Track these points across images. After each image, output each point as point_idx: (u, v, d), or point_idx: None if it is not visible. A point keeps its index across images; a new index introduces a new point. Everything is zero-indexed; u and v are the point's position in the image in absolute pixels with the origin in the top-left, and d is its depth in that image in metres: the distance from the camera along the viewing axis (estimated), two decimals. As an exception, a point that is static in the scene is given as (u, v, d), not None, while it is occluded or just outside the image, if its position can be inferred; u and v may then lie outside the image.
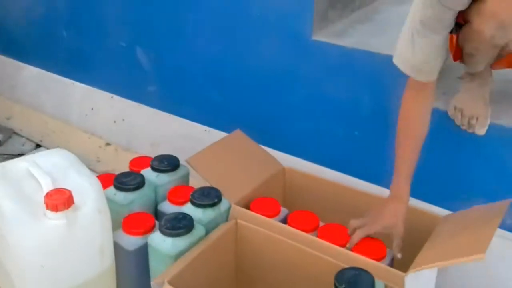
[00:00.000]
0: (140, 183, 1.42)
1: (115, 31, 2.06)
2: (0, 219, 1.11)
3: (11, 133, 2.24)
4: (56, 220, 1.09)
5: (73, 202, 1.10)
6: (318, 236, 1.31)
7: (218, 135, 1.88)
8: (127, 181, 1.41)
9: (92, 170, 2.01)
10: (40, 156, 1.24)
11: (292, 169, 1.63)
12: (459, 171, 1.48)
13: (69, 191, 1.10)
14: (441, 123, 1.44)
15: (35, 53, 2.39)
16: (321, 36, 1.61)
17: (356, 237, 1.27)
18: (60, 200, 1.08)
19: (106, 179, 1.48)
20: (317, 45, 1.60)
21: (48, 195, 1.08)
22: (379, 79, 1.54)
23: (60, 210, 1.08)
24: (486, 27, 1.11)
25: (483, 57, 1.26)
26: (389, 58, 1.48)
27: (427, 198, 1.49)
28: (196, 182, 1.56)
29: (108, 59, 2.14)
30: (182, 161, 1.55)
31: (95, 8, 2.08)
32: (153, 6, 1.91)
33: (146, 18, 1.95)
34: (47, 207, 1.08)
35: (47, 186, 1.11)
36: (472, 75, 1.40)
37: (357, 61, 1.55)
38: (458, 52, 1.34)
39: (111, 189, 1.41)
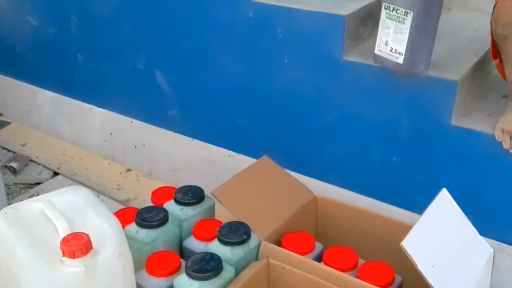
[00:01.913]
0: (163, 219, 1.35)
1: (133, 53, 2.00)
2: (15, 266, 1.04)
3: (27, 161, 2.19)
4: (73, 267, 1.01)
5: (91, 247, 1.03)
6: (357, 276, 1.22)
7: (243, 159, 1.81)
8: (149, 217, 1.34)
9: (113, 198, 1.97)
10: (55, 195, 1.17)
11: (324, 198, 1.54)
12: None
13: (87, 236, 1.02)
14: (489, 148, 1.35)
15: (50, 77, 2.35)
16: (352, 56, 1.52)
17: None
18: (77, 246, 1.00)
19: (127, 214, 1.41)
20: (348, 65, 1.52)
21: (64, 241, 1.01)
22: (417, 101, 1.45)
23: (78, 257, 1.00)
24: None
25: None
26: (428, 78, 1.40)
27: (479, 229, 1.39)
28: (223, 211, 1.49)
29: (126, 82, 2.08)
30: (206, 190, 1.48)
31: (110, 30, 2.03)
32: (173, 27, 1.85)
33: (165, 39, 1.89)
34: (64, 254, 1.01)
35: (63, 230, 1.04)
36: None
37: (392, 81, 1.46)
38: (495, 49, 1.29)
39: (133, 226, 1.34)
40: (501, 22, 1.18)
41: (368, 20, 1.61)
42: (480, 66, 1.54)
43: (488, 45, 1.54)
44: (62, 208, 1.12)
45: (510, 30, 1.18)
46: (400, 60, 1.34)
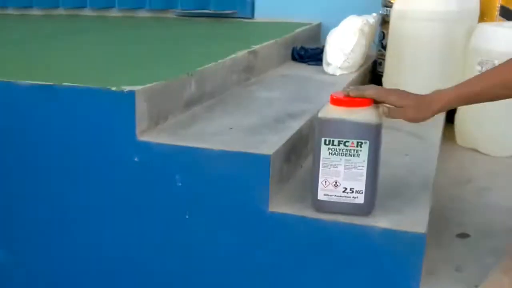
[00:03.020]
0: None
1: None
2: None
3: None
4: None
5: None
6: None
7: None
8: None
9: None
10: None
11: None
12: None
13: None
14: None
15: None
16: (281, 206, 1.15)
17: (353, 90, 1.09)
18: None
19: None
20: (277, 219, 1.14)
21: None
22: (371, 263, 1.10)
23: None
24: None
25: None
26: (386, 233, 1.07)
27: None
28: None
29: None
30: None
31: None
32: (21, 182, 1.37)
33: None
34: None
35: None
36: None
37: (335, 237, 1.11)
38: None
39: None
40: None
41: (291, 155, 1.27)
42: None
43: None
44: None
45: None
46: (360, 199, 1.09)
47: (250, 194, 1.14)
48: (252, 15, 2.69)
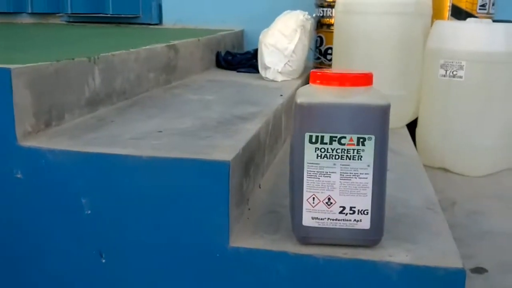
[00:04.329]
0: None
1: None
2: None
3: None
4: None
5: None
6: None
7: None
8: None
9: None
10: None
11: None
12: None
13: None
14: None
15: None
16: (244, 238, 0.80)
17: None
18: None
19: None
20: (241, 256, 0.79)
21: None
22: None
23: None
24: None
25: None
26: (409, 269, 0.75)
27: None
28: None
29: None
30: None
31: None
32: None
33: None
34: None
35: None
36: None
37: (333, 280, 0.78)
38: None
39: None
40: None
41: (250, 167, 0.92)
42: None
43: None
44: None
45: None
46: (366, 223, 0.77)
47: (200, 221, 0.78)
48: (159, 21, 2.33)
